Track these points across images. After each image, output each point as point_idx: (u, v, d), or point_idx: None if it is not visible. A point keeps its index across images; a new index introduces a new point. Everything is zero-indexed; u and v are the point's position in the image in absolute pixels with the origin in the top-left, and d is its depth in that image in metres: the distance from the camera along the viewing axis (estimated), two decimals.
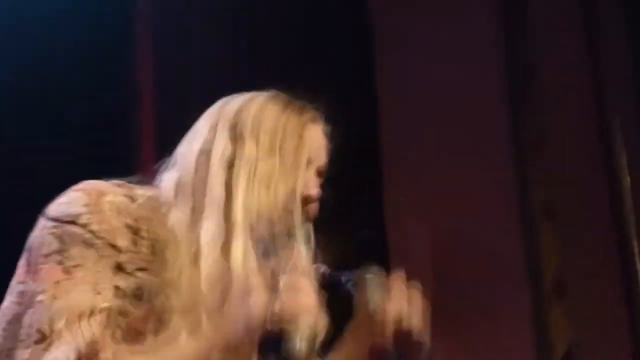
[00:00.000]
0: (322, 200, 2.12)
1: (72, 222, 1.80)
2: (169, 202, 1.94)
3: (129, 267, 1.84)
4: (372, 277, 2.23)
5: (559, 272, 4.49)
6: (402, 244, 4.30)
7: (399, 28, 4.84)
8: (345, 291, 2.63)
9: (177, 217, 1.91)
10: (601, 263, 4.52)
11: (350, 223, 2.90)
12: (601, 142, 4.62)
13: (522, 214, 4.59)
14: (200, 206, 1.91)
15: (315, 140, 2.04)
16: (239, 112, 1.98)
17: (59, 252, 1.78)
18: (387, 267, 4.26)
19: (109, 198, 1.86)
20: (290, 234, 1.97)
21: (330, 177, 2.18)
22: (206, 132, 1.98)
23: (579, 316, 4.45)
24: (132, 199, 1.90)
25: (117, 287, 1.81)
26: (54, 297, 1.75)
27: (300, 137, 1.96)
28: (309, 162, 2.03)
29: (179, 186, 1.95)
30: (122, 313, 1.80)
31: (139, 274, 1.84)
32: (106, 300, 1.78)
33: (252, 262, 1.88)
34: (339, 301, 2.67)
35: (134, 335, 1.81)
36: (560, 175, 4.59)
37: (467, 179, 4.62)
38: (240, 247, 1.88)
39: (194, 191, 1.93)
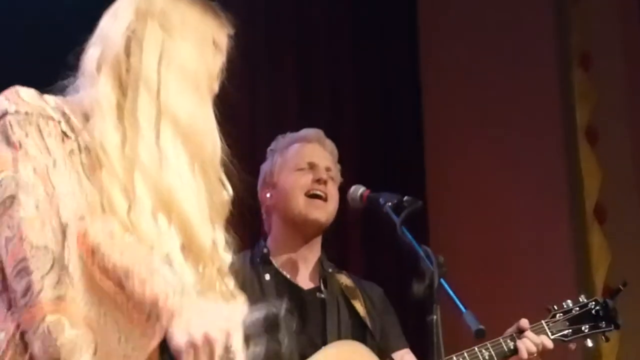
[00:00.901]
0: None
1: (4, 115, 1.82)
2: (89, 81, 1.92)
3: (70, 134, 1.85)
4: None
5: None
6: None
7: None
8: (383, 212, 2.65)
9: (104, 93, 1.89)
10: None
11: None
12: None
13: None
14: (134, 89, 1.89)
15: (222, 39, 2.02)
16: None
17: (5, 139, 1.81)
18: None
19: (24, 91, 1.86)
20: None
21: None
22: (133, 17, 1.93)
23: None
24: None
25: (71, 151, 1.84)
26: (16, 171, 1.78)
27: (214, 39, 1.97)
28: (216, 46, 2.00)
29: (102, 60, 1.91)
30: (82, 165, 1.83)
31: (80, 138, 1.85)
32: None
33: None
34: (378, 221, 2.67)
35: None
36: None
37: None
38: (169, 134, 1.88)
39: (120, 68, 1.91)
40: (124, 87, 1.87)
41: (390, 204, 2.65)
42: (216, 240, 1.91)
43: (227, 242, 1.93)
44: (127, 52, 1.89)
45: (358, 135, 4.42)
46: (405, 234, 2.53)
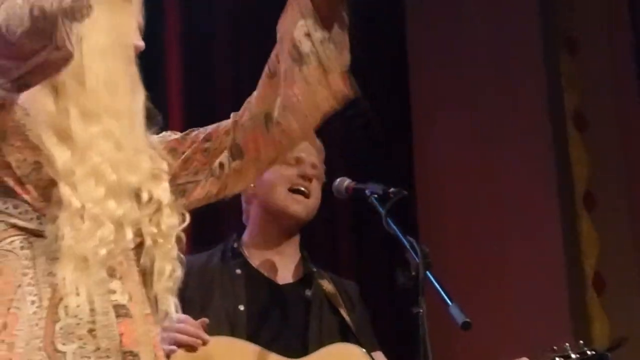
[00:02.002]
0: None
1: None
2: None
3: None
4: None
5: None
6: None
7: None
8: (369, 204, 2.65)
9: None
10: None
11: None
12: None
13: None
14: None
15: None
16: None
17: None
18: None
19: None
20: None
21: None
22: None
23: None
24: None
25: None
26: None
27: None
28: None
29: None
30: None
31: None
32: None
33: None
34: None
35: None
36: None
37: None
38: None
39: None
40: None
41: (375, 195, 2.64)
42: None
43: None
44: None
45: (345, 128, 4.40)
46: (390, 224, 2.52)
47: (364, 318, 2.99)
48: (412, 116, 4.67)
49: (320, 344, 2.83)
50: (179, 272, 1.88)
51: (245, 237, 2.98)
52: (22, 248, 1.78)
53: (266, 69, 2.00)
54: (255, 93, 2.01)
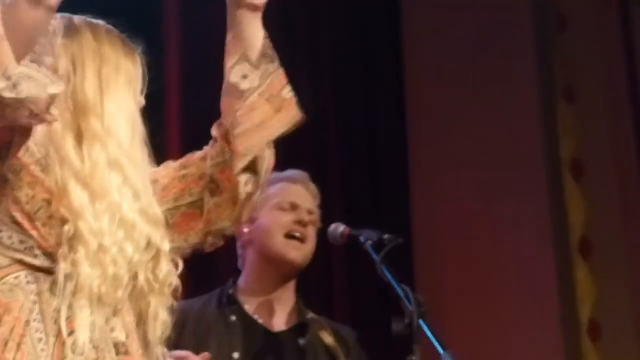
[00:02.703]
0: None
1: None
2: None
3: None
4: None
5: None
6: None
7: None
8: (365, 251, 2.64)
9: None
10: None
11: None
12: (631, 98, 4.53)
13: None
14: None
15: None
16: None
17: None
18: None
19: None
20: None
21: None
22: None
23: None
24: None
25: None
26: None
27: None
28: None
29: None
30: None
31: None
32: None
33: None
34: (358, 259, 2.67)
35: None
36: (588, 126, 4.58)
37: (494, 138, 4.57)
38: None
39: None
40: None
41: (370, 242, 2.65)
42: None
43: None
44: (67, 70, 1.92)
45: (344, 174, 4.39)
46: (385, 273, 2.52)
47: None
48: (410, 166, 4.67)
49: None
50: (170, 320, 1.92)
51: (241, 282, 2.96)
52: (27, 283, 1.80)
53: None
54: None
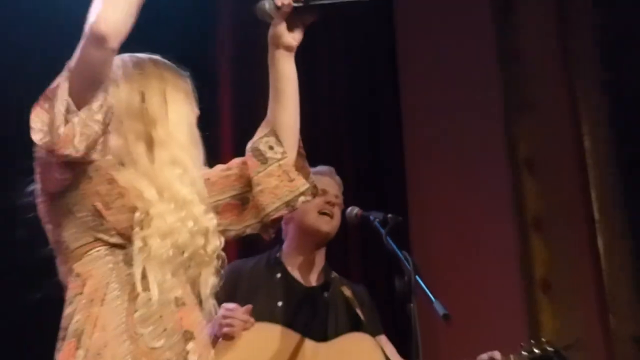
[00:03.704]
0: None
1: None
2: None
3: None
4: None
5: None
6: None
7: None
8: (373, 227, 2.66)
9: None
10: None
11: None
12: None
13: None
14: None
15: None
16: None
17: None
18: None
19: None
20: None
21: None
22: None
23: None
24: None
25: None
26: None
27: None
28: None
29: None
30: None
31: None
32: None
33: None
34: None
35: None
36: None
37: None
38: None
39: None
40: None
41: (378, 220, 2.67)
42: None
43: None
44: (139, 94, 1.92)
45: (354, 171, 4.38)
46: (389, 242, 2.54)
47: (372, 311, 2.99)
48: (407, 165, 4.64)
49: (336, 333, 2.83)
50: (217, 281, 1.91)
51: (284, 249, 2.98)
52: (105, 255, 1.80)
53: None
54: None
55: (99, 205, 1.79)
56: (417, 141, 4.64)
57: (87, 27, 1.72)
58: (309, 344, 2.75)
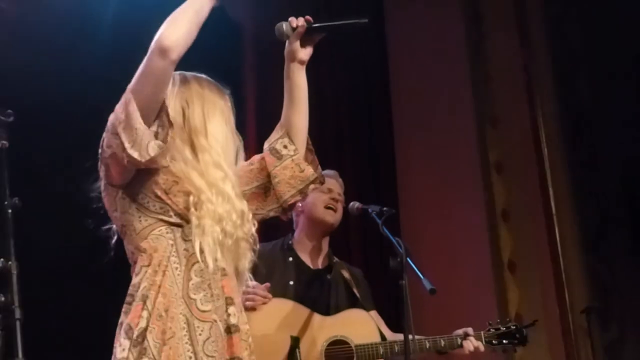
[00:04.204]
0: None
1: None
2: None
3: None
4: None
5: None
6: None
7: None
8: (371, 217, 2.64)
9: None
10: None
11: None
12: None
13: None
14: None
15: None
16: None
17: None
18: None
19: None
20: None
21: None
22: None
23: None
24: None
25: None
26: None
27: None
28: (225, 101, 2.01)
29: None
30: None
31: None
32: None
33: None
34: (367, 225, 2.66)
35: None
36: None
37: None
38: None
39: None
40: (184, 124, 1.90)
41: (375, 212, 2.64)
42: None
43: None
44: (182, 105, 1.91)
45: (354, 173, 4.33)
46: (385, 230, 2.52)
47: (366, 290, 2.96)
48: (397, 167, 4.62)
49: (336, 309, 2.82)
50: (253, 258, 1.91)
51: (295, 237, 2.96)
52: (167, 233, 1.80)
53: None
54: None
55: (159, 192, 1.79)
56: (406, 150, 4.62)
57: (153, 43, 1.74)
58: (316, 316, 2.74)
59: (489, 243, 4.36)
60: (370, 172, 4.45)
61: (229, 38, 4.05)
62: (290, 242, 2.94)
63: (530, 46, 4.58)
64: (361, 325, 2.78)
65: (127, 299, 1.76)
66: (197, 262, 1.78)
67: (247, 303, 2.61)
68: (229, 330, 1.78)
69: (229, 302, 1.80)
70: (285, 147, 2.01)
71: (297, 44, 2.00)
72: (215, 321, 1.76)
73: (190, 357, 1.71)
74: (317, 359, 2.68)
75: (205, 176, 1.84)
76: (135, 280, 1.77)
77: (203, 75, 1.99)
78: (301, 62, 2.02)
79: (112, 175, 1.80)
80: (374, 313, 2.90)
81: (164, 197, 1.79)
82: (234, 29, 4.16)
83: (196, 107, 1.90)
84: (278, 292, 2.74)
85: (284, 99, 2.04)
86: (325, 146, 4.35)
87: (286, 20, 2.00)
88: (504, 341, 2.84)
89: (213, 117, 1.91)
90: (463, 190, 4.42)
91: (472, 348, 2.76)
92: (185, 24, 1.76)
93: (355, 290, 2.88)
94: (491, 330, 2.85)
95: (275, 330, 2.67)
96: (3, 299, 1.60)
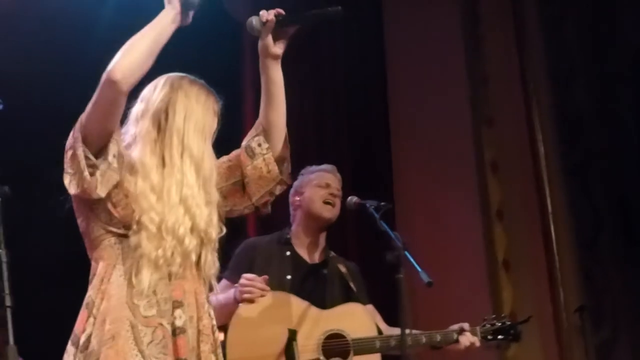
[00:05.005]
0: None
1: None
2: None
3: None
4: None
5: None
6: None
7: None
8: (369, 212, 2.63)
9: (146, 130, 1.93)
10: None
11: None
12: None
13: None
14: (169, 135, 1.94)
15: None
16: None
17: None
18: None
19: None
20: None
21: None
22: (169, 89, 1.96)
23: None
24: None
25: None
26: None
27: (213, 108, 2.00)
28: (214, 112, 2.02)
29: (146, 111, 1.96)
30: None
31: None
32: None
33: None
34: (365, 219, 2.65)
35: None
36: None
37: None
38: None
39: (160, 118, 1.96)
40: (162, 130, 1.90)
41: (373, 206, 2.64)
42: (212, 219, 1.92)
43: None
44: (166, 110, 1.91)
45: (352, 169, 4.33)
46: (382, 224, 2.52)
47: (362, 284, 2.96)
48: (394, 164, 4.62)
49: (332, 303, 2.82)
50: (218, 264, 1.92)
51: (293, 231, 2.95)
52: (114, 243, 1.84)
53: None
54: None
55: (109, 204, 1.81)
56: (402, 148, 4.62)
57: (105, 72, 1.76)
58: (313, 310, 2.74)
59: (484, 242, 4.37)
60: (367, 170, 4.45)
61: (228, 37, 4.03)
62: (287, 236, 2.94)
63: (527, 46, 4.59)
64: (358, 319, 2.78)
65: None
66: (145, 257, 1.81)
67: (245, 295, 2.60)
68: (175, 332, 1.80)
69: (176, 305, 1.81)
70: (259, 145, 2.02)
71: (270, 38, 1.98)
72: (161, 324, 1.79)
73: (137, 355, 1.75)
74: (314, 352, 2.68)
75: (162, 191, 1.85)
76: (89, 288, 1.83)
77: (198, 81, 1.98)
78: (275, 57, 2.00)
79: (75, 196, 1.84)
80: (370, 307, 2.89)
81: (112, 209, 1.82)
82: (234, 27, 4.13)
83: (180, 107, 1.90)
84: (275, 285, 2.73)
85: (261, 96, 2.03)
86: (322, 143, 4.35)
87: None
88: (499, 337, 2.84)
89: (195, 116, 1.91)
90: (458, 189, 4.43)
91: (467, 343, 2.75)
92: (140, 54, 1.78)
93: (351, 284, 2.88)
94: (486, 325, 2.85)
95: (272, 322, 2.67)
96: None
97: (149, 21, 1.84)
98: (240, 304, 2.61)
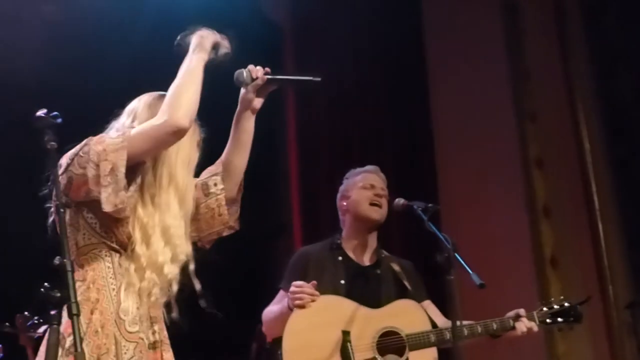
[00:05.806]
0: None
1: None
2: None
3: None
4: None
5: None
6: None
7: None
8: (416, 214, 2.63)
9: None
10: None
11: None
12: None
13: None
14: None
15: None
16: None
17: None
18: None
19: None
20: None
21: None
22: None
23: None
24: None
25: None
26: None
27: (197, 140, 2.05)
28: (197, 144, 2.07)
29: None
30: None
31: None
32: None
33: None
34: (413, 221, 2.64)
35: None
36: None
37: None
38: None
39: None
40: (153, 159, 1.95)
41: (420, 208, 2.64)
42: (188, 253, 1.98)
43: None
44: None
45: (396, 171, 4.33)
46: (431, 225, 2.52)
47: (418, 280, 2.95)
48: (438, 168, 4.60)
49: (388, 302, 2.82)
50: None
51: (343, 236, 2.97)
52: (106, 255, 1.89)
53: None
54: None
55: (109, 220, 1.86)
56: (445, 147, 4.61)
57: (166, 118, 1.83)
58: (365, 310, 2.75)
59: (531, 239, 4.34)
60: (411, 169, 4.45)
61: (268, 38, 4.06)
62: (338, 241, 2.95)
63: (569, 40, 4.56)
64: (411, 315, 2.78)
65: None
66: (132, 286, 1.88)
67: (296, 302, 2.64)
68: (154, 346, 1.88)
69: (153, 320, 1.90)
70: (215, 184, 2.08)
71: (253, 94, 2.07)
72: (142, 339, 1.87)
73: None
74: (369, 351, 2.70)
75: (152, 227, 1.90)
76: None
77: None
78: (253, 111, 2.09)
79: (71, 190, 1.85)
80: (426, 303, 2.89)
81: (112, 224, 1.87)
82: (274, 29, 4.16)
83: (169, 151, 1.94)
84: (330, 291, 2.75)
85: (229, 139, 2.09)
86: (366, 143, 4.35)
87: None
88: (559, 319, 2.79)
89: (181, 165, 1.96)
90: (503, 187, 4.42)
91: (524, 329, 2.73)
92: (192, 99, 1.87)
93: (405, 282, 2.88)
94: (543, 309, 2.81)
95: (325, 326, 2.68)
96: (59, 294, 1.64)
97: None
98: (295, 310, 2.64)
